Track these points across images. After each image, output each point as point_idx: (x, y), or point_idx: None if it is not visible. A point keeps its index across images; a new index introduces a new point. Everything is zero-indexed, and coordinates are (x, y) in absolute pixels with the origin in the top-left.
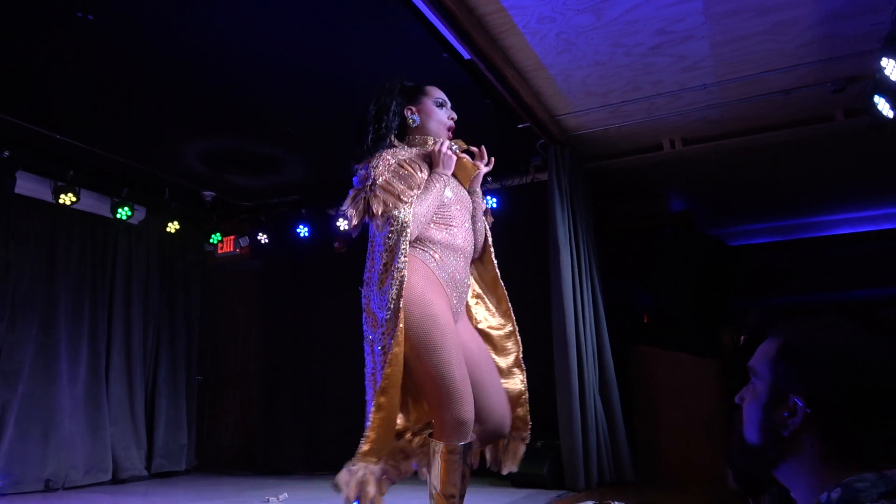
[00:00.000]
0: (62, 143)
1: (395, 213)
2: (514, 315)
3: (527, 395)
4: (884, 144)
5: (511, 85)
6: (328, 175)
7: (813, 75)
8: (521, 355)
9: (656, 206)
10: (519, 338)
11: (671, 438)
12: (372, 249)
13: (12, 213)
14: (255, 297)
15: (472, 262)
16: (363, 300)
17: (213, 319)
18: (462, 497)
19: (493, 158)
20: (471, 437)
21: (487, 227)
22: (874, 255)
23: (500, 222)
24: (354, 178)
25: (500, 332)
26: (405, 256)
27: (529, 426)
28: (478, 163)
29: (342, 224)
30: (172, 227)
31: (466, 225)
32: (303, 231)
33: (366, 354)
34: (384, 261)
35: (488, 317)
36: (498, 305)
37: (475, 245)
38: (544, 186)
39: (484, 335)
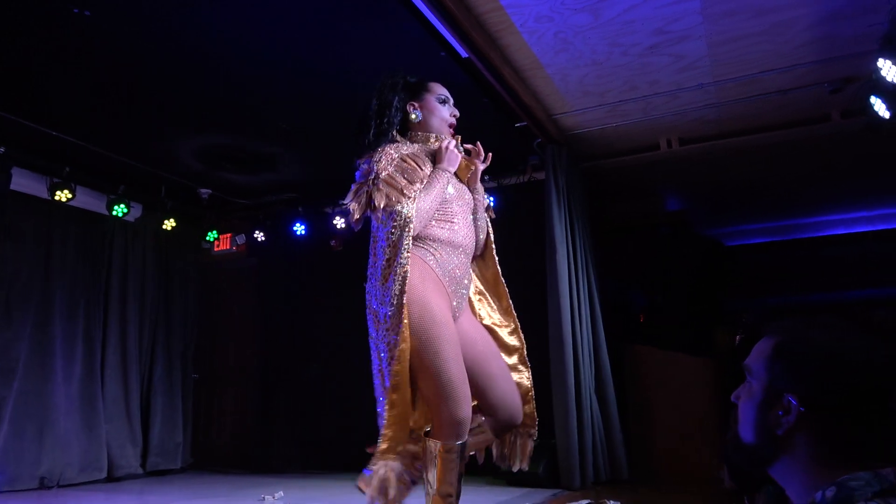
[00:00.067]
0: (58, 140)
1: (399, 208)
2: None
3: (533, 391)
4: (880, 145)
5: (509, 84)
6: (325, 173)
7: (810, 76)
8: (526, 352)
9: (653, 206)
10: (522, 335)
11: (667, 437)
12: (374, 245)
13: (7, 209)
14: (251, 295)
15: (474, 259)
16: (367, 296)
17: (209, 317)
18: (458, 496)
19: (490, 154)
20: (467, 436)
21: (489, 224)
22: (870, 255)
23: (497, 221)
24: (357, 173)
25: (503, 330)
26: (408, 252)
27: (537, 422)
28: (476, 160)
29: (339, 222)
30: (168, 224)
31: (468, 221)
32: (299, 229)
33: (371, 350)
34: (387, 256)
35: (491, 313)
36: (499, 303)
37: (476, 241)
38: (541, 185)
39: (488, 331)
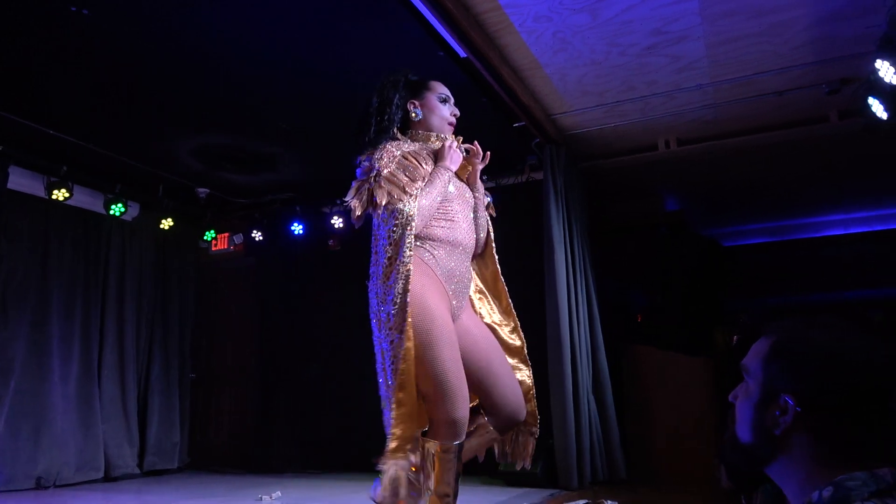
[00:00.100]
0: (55, 139)
1: (401, 206)
2: None
3: (534, 390)
4: (877, 146)
5: (507, 84)
6: (323, 173)
7: (808, 77)
8: (526, 351)
9: (651, 206)
10: (521, 334)
11: (664, 437)
12: (375, 243)
13: (5, 208)
14: (249, 294)
15: (474, 258)
16: (369, 294)
17: (207, 317)
18: (455, 496)
19: (488, 154)
20: (464, 436)
21: (489, 222)
22: (868, 256)
23: (495, 221)
24: (357, 170)
25: (504, 329)
26: (411, 250)
27: (538, 421)
28: (474, 159)
29: (337, 221)
30: (166, 223)
31: (468, 220)
32: (297, 228)
33: (375, 348)
34: (388, 255)
35: (491, 312)
36: (499, 302)
37: (477, 240)
38: (539, 185)
39: (490, 330)
